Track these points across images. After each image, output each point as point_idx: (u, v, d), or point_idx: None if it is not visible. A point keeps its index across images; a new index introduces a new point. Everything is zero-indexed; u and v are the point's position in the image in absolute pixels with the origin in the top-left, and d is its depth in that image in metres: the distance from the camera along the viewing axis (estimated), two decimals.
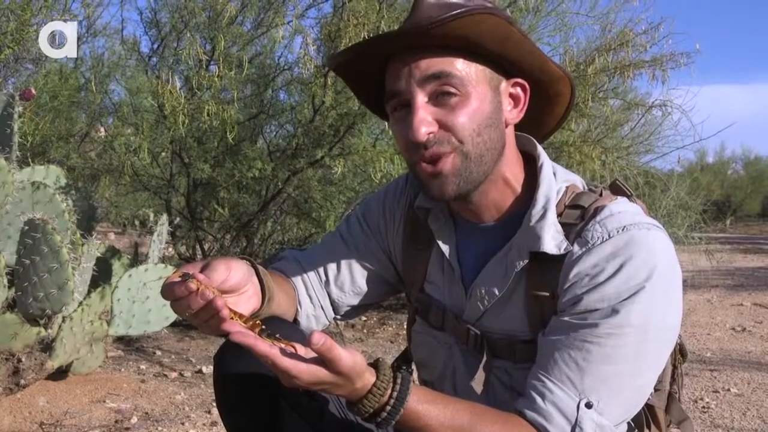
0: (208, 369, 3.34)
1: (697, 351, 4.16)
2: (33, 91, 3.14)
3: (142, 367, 3.33)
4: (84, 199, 3.09)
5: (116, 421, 2.61)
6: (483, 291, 1.24)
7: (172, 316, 2.77)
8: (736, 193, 20.14)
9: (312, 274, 1.38)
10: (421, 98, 1.13)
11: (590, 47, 4.29)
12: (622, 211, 1.17)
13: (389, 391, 1.04)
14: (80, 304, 2.54)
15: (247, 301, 1.12)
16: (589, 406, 1.09)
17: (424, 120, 1.13)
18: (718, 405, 3.08)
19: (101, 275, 2.83)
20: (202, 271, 1.05)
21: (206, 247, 4.13)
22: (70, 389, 2.84)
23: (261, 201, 3.94)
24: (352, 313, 1.46)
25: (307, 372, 0.98)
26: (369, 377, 1.04)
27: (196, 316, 1.02)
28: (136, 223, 7.58)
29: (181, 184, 4.05)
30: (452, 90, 1.13)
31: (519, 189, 1.24)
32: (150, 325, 2.74)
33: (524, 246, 1.19)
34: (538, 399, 1.11)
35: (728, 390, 3.30)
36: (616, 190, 1.26)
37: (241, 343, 0.96)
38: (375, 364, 1.05)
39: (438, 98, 1.13)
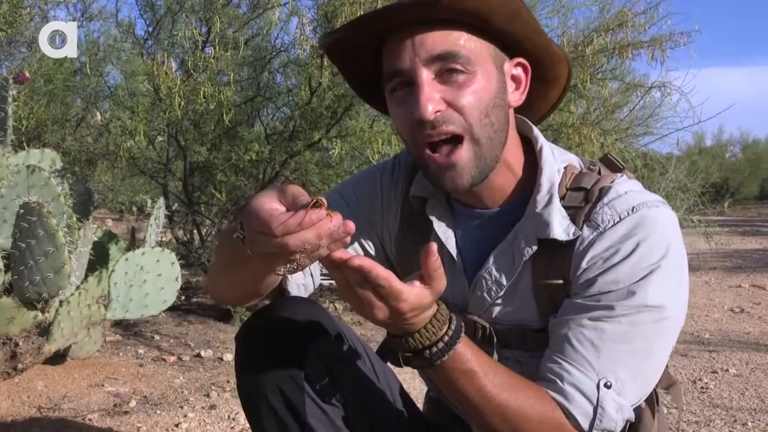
0: (207, 353, 3.33)
1: (695, 332, 4.17)
2: (27, 75, 3.12)
3: (140, 351, 3.33)
4: (80, 182, 3.07)
5: (115, 405, 2.60)
6: (489, 281, 1.22)
7: (170, 300, 2.76)
8: (734, 176, 20.13)
9: None
10: (426, 75, 1.09)
11: (588, 28, 4.26)
12: (628, 190, 1.15)
13: (447, 323, 1.03)
14: (77, 288, 2.52)
15: None
16: (608, 386, 1.08)
17: (432, 97, 1.08)
18: (716, 385, 3.08)
19: (98, 259, 2.81)
20: (286, 197, 0.91)
21: (204, 231, 4.12)
22: (68, 373, 2.83)
23: (258, 184, 3.92)
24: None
25: (414, 294, 0.97)
26: (434, 306, 1.03)
27: (305, 250, 0.89)
28: (133, 209, 7.56)
29: (177, 168, 4.03)
30: (459, 67, 1.09)
31: (520, 174, 1.21)
32: (147, 309, 2.72)
33: (531, 233, 1.17)
34: (558, 381, 1.10)
35: (727, 370, 3.30)
36: (609, 164, 1.23)
37: (362, 266, 0.93)
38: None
39: (444, 75, 1.10)
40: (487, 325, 1.23)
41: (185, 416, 2.50)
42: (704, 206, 5.43)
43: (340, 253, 0.93)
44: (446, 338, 1.02)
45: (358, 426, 1.21)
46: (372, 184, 1.37)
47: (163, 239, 4.06)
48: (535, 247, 1.16)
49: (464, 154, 1.11)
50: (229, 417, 2.52)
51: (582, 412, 1.08)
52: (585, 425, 1.08)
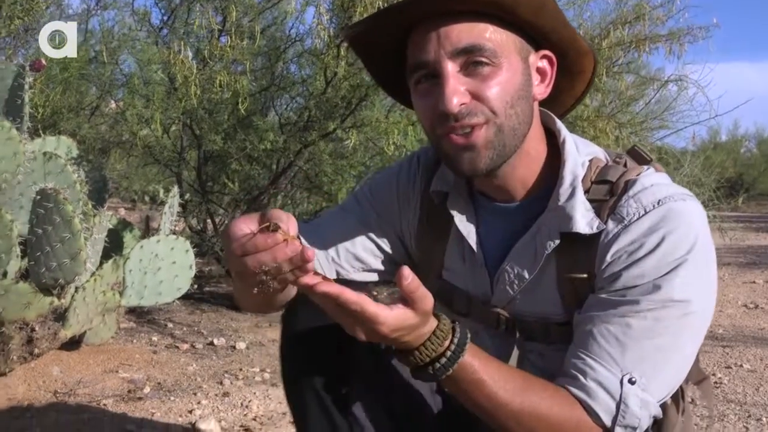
0: (219, 341, 3.35)
1: (709, 328, 4.14)
2: (43, 62, 3.13)
3: (154, 338, 3.35)
4: (95, 170, 3.08)
5: (129, 391, 2.62)
6: (511, 275, 1.21)
7: (184, 288, 2.77)
8: (749, 171, 19.96)
9: (319, 248, 1.33)
10: (451, 68, 1.08)
11: (605, 20, 4.23)
12: (654, 183, 1.14)
13: (450, 338, 1.03)
14: (92, 274, 2.53)
15: None
16: (632, 382, 1.07)
17: (457, 90, 1.08)
18: (730, 381, 3.07)
19: (113, 247, 2.82)
20: (264, 220, 0.95)
21: (217, 220, 4.13)
22: (83, 359, 2.85)
23: (271, 175, 3.93)
24: (355, 289, 1.44)
25: (393, 316, 0.96)
26: (433, 321, 1.02)
27: (267, 272, 0.93)
28: (146, 198, 7.59)
29: (191, 157, 4.04)
30: (484, 60, 1.08)
31: (542, 166, 1.20)
32: (162, 297, 2.73)
33: (554, 226, 1.16)
34: (580, 377, 1.09)
35: (741, 366, 3.28)
36: (637, 157, 1.22)
37: (328, 293, 0.93)
38: (434, 314, 1.03)
39: (469, 68, 1.09)
40: (511, 318, 1.23)
41: (199, 403, 2.52)
42: (719, 201, 5.40)
43: (306, 279, 0.93)
44: (448, 353, 1.02)
45: (401, 416, 1.20)
46: (389, 183, 1.37)
47: (177, 228, 4.08)
48: (557, 241, 1.15)
49: (483, 134, 1.10)
50: (242, 404, 2.53)
51: (604, 408, 1.07)
52: (607, 421, 1.07)
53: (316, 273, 0.96)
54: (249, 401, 2.56)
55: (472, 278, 1.27)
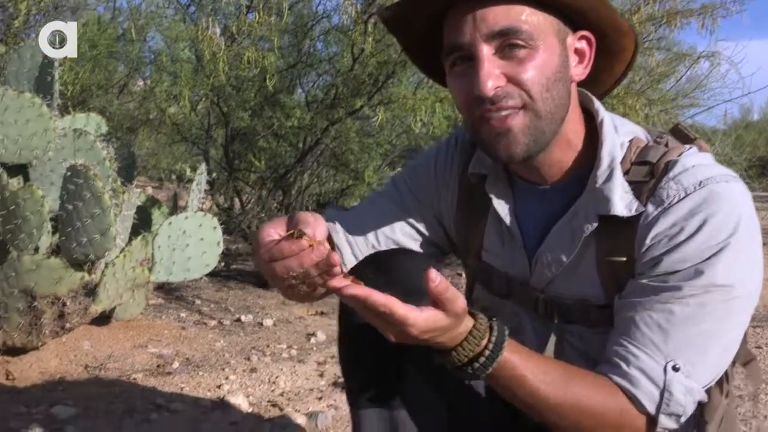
0: (247, 318, 3.37)
1: None
2: None
3: (182, 315, 3.38)
4: (124, 147, 3.10)
5: (158, 366, 2.65)
6: (549, 258, 1.19)
7: (212, 264, 2.79)
8: None
9: (358, 235, 1.32)
10: (486, 51, 1.06)
11: None
12: (696, 164, 1.10)
13: (487, 336, 1.02)
14: (122, 250, 2.56)
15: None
16: (676, 369, 1.05)
17: (491, 73, 1.06)
18: (762, 359, 3.03)
19: (141, 224, 2.84)
20: (292, 226, 0.99)
21: (244, 198, 4.15)
22: (113, 334, 2.89)
23: (298, 153, 3.93)
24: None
25: (423, 318, 0.95)
26: (468, 321, 1.01)
27: (296, 277, 0.96)
28: (174, 177, 7.64)
29: (218, 135, 4.05)
30: (520, 42, 1.06)
31: (580, 147, 1.17)
32: (190, 273, 2.75)
33: (591, 209, 1.14)
34: (623, 364, 1.07)
35: None
36: (680, 135, 1.18)
37: (356, 295, 0.93)
38: (470, 312, 1.02)
39: (505, 50, 1.07)
40: (550, 300, 1.21)
41: (227, 378, 2.54)
42: (750, 181, 5.31)
43: (334, 282, 0.95)
44: (487, 352, 1.01)
45: (454, 397, 1.20)
46: (426, 167, 1.36)
47: (204, 206, 4.10)
48: (595, 224, 1.13)
49: (520, 120, 1.08)
50: (269, 380, 2.55)
51: (648, 396, 1.06)
52: (651, 409, 1.06)
53: (345, 275, 0.97)
54: (276, 377, 2.57)
55: (510, 260, 1.26)
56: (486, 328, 1.02)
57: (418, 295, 1.01)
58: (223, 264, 3.60)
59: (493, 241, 1.28)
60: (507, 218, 1.24)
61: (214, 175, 4.13)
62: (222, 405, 2.32)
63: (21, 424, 2.05)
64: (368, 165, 3.63)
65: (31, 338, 2.50)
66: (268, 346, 2.97)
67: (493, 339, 1.02)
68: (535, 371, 1.05)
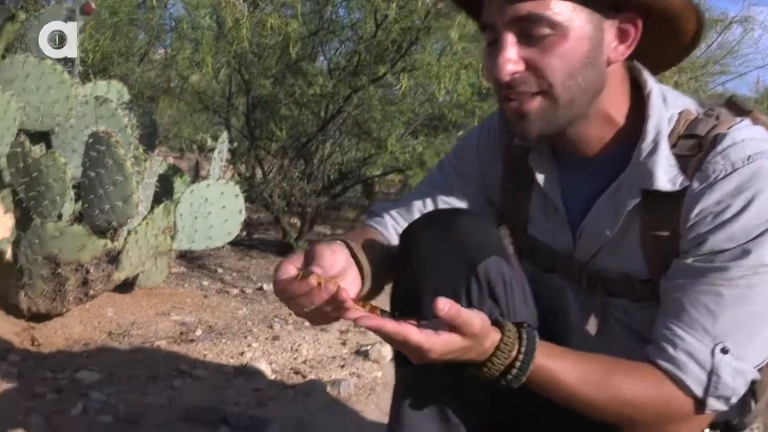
0: (269, 286, 3.37)
1: None
2: (93, 6, 3.11)
3: (205, 283, 3.38)
4: (145, 115, 3.09)
5: (181, 333, 2.66)
6: (592, 232, 1.17)
7: (234, 232, 2.78)
8: None
9: (406, 222, 1.30)
10: (509, 37, 1.05)
11: None
12: (745, 138, 1.06)
13: (516, 347, 1.01)
14: (144, 218, 2.55)
15: (352, 283, 1.10)
16: (725, 351, 1.03)
17: (509, 59, 1.05)
18: None
19: (163, 192, 2.84)
20: (308, 260, 1.03)
21: (265, 167, 4.13)
22: (136, 302, 2.90)
23: (320, 121, 3.90)
24: None
25: (440, 342, 0.97)
26: (495, 335, 1.01)
27: (313, 310, 1.00)
28: (195, 147, 7.63)
29: (240, 103, 4.03)
30: (546, 30, 1.03)
31: (623, 122, 1.14)
32: (212, 241, 2.75)
33: (635, 183, 1.11)
34: (669, 348, 1.05)
35: None
36: (734, 108, 1.14)
37: (369, 326, 0.96)
38: (496, 322, 1.03)
39: (530, 36, 1.05)
40: (594, 274, 1.20)
41: (249, 346, 2.54)
42: None
43: (350, 314, 0.98)
44: (518, 363, 1.01)
45: None
46: (470, 144, 1.36)
47: (226, 175, 4.09)
48: (638, 199, 1.11)
49: (536, 105, 1.08)
50: (292, 348, 2.54)
51: (695, 380, 1.04)
52: (699, 393, 1.04)
53: (364, 303, 1.01)
54: (299, 345, 2.57)
55: (554, 233, 1.24)
56: (514, 339, 1.02)
57: (478, 252, 1.10)
58: (245, 233, 3.60)
59: (538, 215, 1.27)
60: (550, 192, 1.23)
61: (236, 144, 4.11)
62: (245, 372, 2.33)
63: (46, 389, 2.07)
64: (391, 133, 3.59)
65: (56, 305, 2.51)
66: (290, 314, 2.96)
67: (523, 349, 1.01)
68: (572, 373, 1.05)
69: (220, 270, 3.62)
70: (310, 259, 1.03)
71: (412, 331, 0.96)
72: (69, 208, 2.49)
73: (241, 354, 2.46)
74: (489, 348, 1.00)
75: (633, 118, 1.14)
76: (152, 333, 2.62)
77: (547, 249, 1.26)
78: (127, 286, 2.91)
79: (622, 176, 1.13)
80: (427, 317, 1.02)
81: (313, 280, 0.98)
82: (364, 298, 1.14)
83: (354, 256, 1.12)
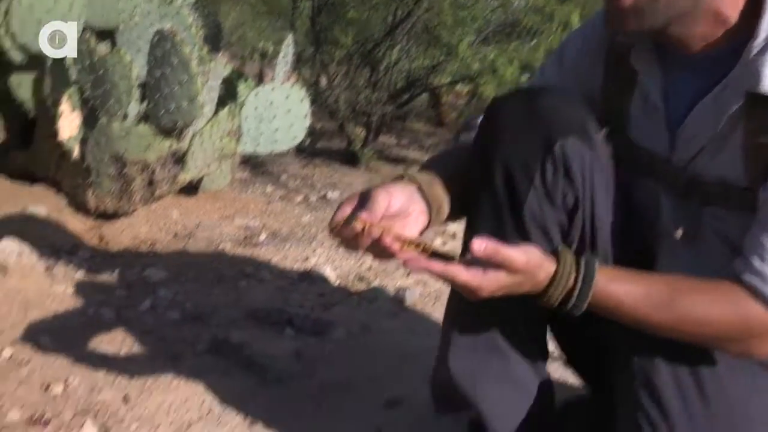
0: (333, 194, 3.34)
1: None
2: None
3: (268, 190, 3.36)
4: (210, 16, 3.02)
5: (246, 237, 2.65)
6: (692, 135, 1.12)
7: (300, 136, 2.73)
8: None
9: None
10: None
11: None
12: None
13: (573, 276, 1.02)
14: (209, 120, 2.52)
15: (415, 221, 1.12)
16: None
17: None
18: None
19: (227, 96, 2.79)
20: (362, 203, 1.07)
21: (330, 74, 4.02)
22: (201, 205, 2.89)
23: (387, 27, 3.76)
24: None
25: (487, 281, 0.99)
26: (549, 266, 1.02)
27: (367, 251, 1.05)
28: (257, 55, 7.56)
29: (305, 7, 3.91)
30: None
31: (736, 20, 1.07)
32: (277, 144, 2.70)
33: (741, 85, 1.05)
34: (756, 261, 1.01)
35: None
36: None
37: (416, 268, 1.01)
38: (556, 252, 1.04)
39: None
40: (690, 179, 1.14)
41: (314, 251, 2.52)
42: None
43: (399, 256, 1.03)
44: (576, 293, 1.02)
45: (576, 240, 1.17)
46: (572, 45, 1.32)
47: (290, 81, 4.01)
48: (741, 102, 1.04)
49: (629, 2, 1.05)
50: (356, 255, 2.51)
51: None
52: None
53: (415, 242, 1.04)
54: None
55: (653, 135, 1.19)
56: (571, 268, 1.03)
57: (559, 130, 1.11)
58: (309, 141, 3.54)
59: (637, 116, 1.22)
60: (651, 90, 1.17)
61: (300, 49, 4.01)
62: (309, 277, 2.31)
63: (116, 285, 2.10)
64: (462, 40, 3.44)
65: (122, 204, 2.52)
66: None
67: (581, 278, 1.02)
68: (637, 296, 1.04)
69: (283, 177, 3.59)
70: (364, 201, 1.08)
71: (458, 272, 0.98)
72: (135, 107, 2.46)
73: (306, 259, 2.45)
74: (544, 280, 1.02)
75: (748, 17, 1.06)
76: (217, 236, 2.61)
77: (644, 152, 1.21)
78: (191, 190, 2.90)
79: (729, 77, 1.08)
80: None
81: (357, 225, 1.03)
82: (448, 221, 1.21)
83: (421, 190, 1.14)
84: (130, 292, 2.06)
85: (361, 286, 2.31)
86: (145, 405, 1.54)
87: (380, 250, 1.04)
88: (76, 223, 2.53)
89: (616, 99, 1.24)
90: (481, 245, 0.96)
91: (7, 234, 2.09)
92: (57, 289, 2.01)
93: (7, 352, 1.67)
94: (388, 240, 1.02)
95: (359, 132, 3.87)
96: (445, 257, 1.01)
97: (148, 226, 2.61)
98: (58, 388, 1.56)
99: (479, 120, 1.27)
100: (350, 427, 1.55)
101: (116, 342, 1.79)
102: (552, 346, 1.37)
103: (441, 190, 1.17)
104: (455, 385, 1.23)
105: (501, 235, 1.13)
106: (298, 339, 1.92)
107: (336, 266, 2.41)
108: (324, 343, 1.91)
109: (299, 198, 3.27)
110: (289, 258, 2.46)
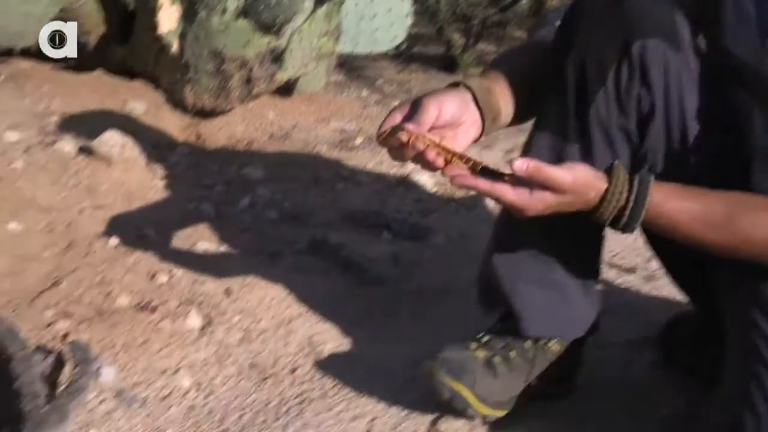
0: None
1: None
2: None
3: (363, 93, 3.29)
4: None
5: (341, 140, 2.60)
6: None
7: (400, 37, 2.66)
8: None
9: None
10: None
11: None
12: None
13: (626, 195, 0.99)
14: (308, 17, 2.44)
15: (465, 132, 1.08)
16: None
17: None
18: None
19: None
20: (411, 113, 1.03)
21: None
22: (296, 107, 2.85)
23: None
24: None
25: (533, 200, 0.97)
26: (600, 185, 1.00)
27: (413, 162, 1.04)
28: None
29: None
30: None
31: None
32: (376, 44, 2.63)
33: None
34: None
35: None
36: None
37: (463, 185, 0.99)
38: (610, 169, 1.01)
39: None
40: None
41: None
42: None
43: (446, 171, 1.01)
44: (627, 211, 0.99)
45: (649, 152, 1.12)
46: None
47: None
48: None
49: None
50: None
51: None
52: None
53: (466, 158, 1.00)
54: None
55: (746, 43, 1.09)
56: (623, 187, 0.99)
57: (640, 29, 1.06)
58: (406, 45, 3.42)
59: (729, 23, 1.11)
60: None
61: None
62: (406, 182, 2.26)
63: (215, 181, 2.09)
64: None
65: (220, 102, 2.50)
66: None
67: (633, 196, 0.99)
68: (691, 213, 1.01)
69: (379, 81, 3.50)
70: (414, 110, 1.04)
71: (504, 191, 0.96)
72: (234, 1, 2.40)
73: (402, 165, 2.38)
74: (594, 198, 0.99)
75: None
76: (313, 138, 2.57)
77: (737, 62, 1.11)
78: (287, 91, 2.86)
79: None
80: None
81: (403, 137, 1.00)
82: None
83: (475, 99, 1.08)
84: (229, 189, 2.06)
85: (459, 194, 2.24)
86: (247, 299, 1.54)
87: (426, 163, 1.02)
88: (174, 120, 2.53)
89: (710, 4, 1.13)
90: (522, 165, 0.94)
91: (109, 127, 2.10)
92: (158, 183, 2.03)
93: (114, 241, 1.70)
94: (431, 155, 0.99)
95: (458, 38, 3.72)
96: (493, 173, 0.98)
97: (244, 125, 2.59)
98: (163, 278, 1.57)
99: (557, 15, 1.20)
100: (447, 331, 1.51)
101: (216, 237, 1.79)
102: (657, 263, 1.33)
103: (499, 97, 1.12)
104: (496, 282, 1.23)
105: (563, 137, 1.12)
106: (396, 243, 1.88)
107: (434, 174, 2.34)
108: (422, 248, 1.87)
109: (395, 103, 3.17)
110: (385, 163, 2.40)
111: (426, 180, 2.28)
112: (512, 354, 1.21)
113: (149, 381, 1.28)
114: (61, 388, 1.14)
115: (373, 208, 2.03)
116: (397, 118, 1.04)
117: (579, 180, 0.98)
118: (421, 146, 0.99)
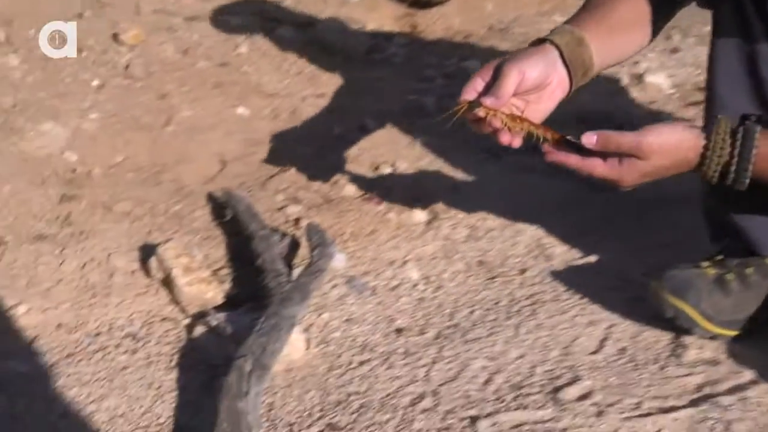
0: None
1: None
2: None
3: None
4: None
5: None
6: None
7: None
8: None
9: None
10: None
11: None
12: None
13: (728, 149, 0.94)
14: None
15: (550, 95, 1.04)
16: None
17: None
18: None
19: None
20: (495, 77, 1.00)
21: None
22: None
23: None
24: None
25: (626, 170, 0.94)
26: (697, 141, 0.95)
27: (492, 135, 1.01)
28: None
29: None
30: None
31: None
32: None
33: None
34: None
35: None
36: None
37: (552, 162, 0.97)
38: (707, 126, 0.98)
39: None
40: None
41: (644, 56, 2.22)
42: None
43: (551, 157, 0.97)
44: (735, 159, 0.93)
45: None
46: None
47: None
48: None
49: None
50: (693, 63, 2.19)
51: None
52: None
53: (552, 132, 0.98)
54: (701, 60, 2.20)
55: None
56: (723, 142, 0.94)
57: None
58: None
59: None
60: None
61: None
62: (640, 82, 2.06)
63: (434, 74, 2.03)
64: None
65: None
66: (689, 25, 2.55)
67: (737, 151, 0.93)
68: None
69: None
70: (495, 77, 1.00)
71: (595, 166, 0.95)
72: None
73: (635, 64, 2.18)
74: (694, 158, 0.95)
75: None
76: (535, 32, 2.38)
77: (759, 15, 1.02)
78: None
79: None
80: None
81: (480, 113, 0.97)
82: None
83: (562, 56, 1.03)
84: (450, 82, 1.99)
85: (698, 97, 2.01)
86: (472, 195, 1.50)
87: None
88: (390, 10, 2.47)
89: None
90: (591, 138, 0.93)
91: (327, 16, 2.08)
92: (377, 74, 2.00)
93: (336, 130, 1.70)
94: (506, 137, 0.98)
95: None
96: (575, 146, 0.95)
97: (461, 17, 2.48)
98: (386, 170, 1.55)
99: None
100: (681, 243, 1.37)
101: (437, 132, 1.74)
102: None
103: (592, 43, 1.05)
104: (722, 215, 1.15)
105: (748, 39, 1.02)
106: None
107: (671, 74, 2.12)
108: None
109: None
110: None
111: (662, 81, 2.07)
112: (748, 271, 1.12)
113: (378, 271, 1.28)
114: (299, 268, 1.15)
115: (603, 109, 1.88)
116: (479, 84, 1.02)
117: (669, 140, 0.94)
118: (498, 124, 0.97)
